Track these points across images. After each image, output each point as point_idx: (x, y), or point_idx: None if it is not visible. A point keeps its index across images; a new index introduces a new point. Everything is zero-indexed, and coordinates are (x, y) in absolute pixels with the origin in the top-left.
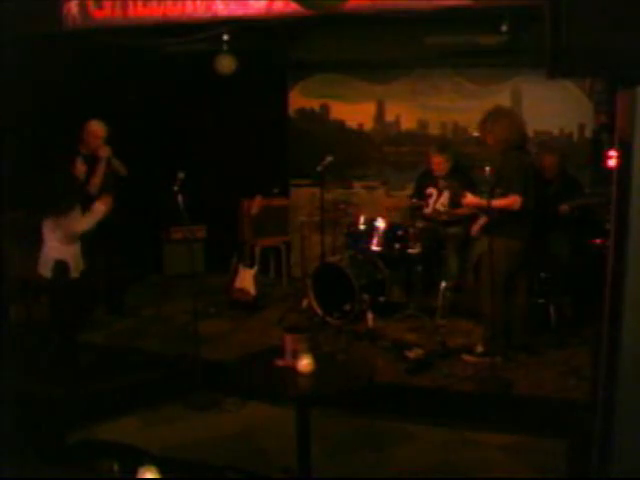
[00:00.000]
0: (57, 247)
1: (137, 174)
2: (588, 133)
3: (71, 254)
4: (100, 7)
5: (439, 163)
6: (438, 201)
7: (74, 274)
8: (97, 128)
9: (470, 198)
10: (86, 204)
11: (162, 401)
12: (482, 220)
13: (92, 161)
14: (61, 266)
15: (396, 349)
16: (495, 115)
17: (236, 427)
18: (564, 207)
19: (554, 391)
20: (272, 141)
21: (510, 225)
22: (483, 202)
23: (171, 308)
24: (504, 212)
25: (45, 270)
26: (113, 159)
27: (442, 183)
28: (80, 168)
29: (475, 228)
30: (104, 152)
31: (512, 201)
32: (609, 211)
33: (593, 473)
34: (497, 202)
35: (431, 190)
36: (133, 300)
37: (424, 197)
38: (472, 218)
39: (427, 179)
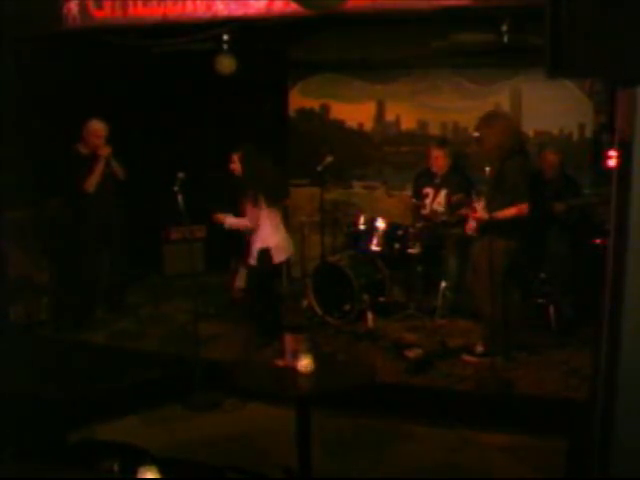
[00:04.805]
0: (265, 236)
1: (137, 174)
2: (588, 133)
3: (275, 241)
4: (100, 7)
5: (438, 157)
6: (435, 200)
7: (279, 259)
8: (98, 127)
9: (480, 214)
10: (82, 203)
11: (162, 401)
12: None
13: (91, 160)
14: (266, 253)
15: (396, 349)
16: (489, 121)
17: (236, 427)
18: (559, 206)
19: (554, 391)
20: (272, 141)
21: (505, 225)
22: (492, 216)
23: (171, 308)
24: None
25: (253, 259)
26: (113, 161)
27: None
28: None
29: (470, 226)
30: (104, 151)
31: (520, 210)
32: (609, 211)
33: (593, 473)
34: (505, 212)
35: (428, 190)
36: (133, 300)
37: (421, 197)
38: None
39: (424, 179)
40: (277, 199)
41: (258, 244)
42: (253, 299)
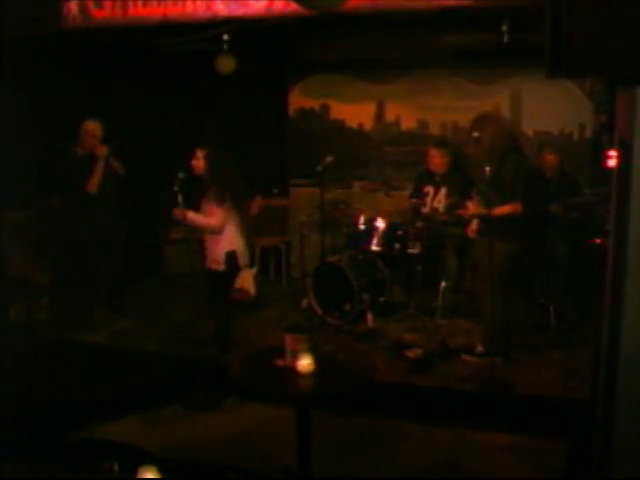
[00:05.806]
0: (231, 238)
1: (137, 174)
2: (588, 133)
3: (240, 244)
4: (100, 7)
5: (437, 157)
6: (435, 199)
7: (242, 263)
8: (93, 127)
9: (472, 209)
10: (83, 203)
11: (162, 401)
12: (477, 221)
13: (90, 161)
14: (233, 255)
15: (396, 349)
16: (480, 123)
17: (236, 427)
18: (554, 207)
19: (554, 391)
20: (272, 141)
21: (505, 226)
22: (484, 211)
23: (171, 308)
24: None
25: (217, 263)
26: (111, 159)
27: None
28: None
29: (472, 229)
30: (102, 151)
31: (514, 208)
32: (609, 211)
33: (593, 473)
34: (499, 210)
35: (428, 188)
36: (133, 300)
37: (422, 196)
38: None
39: (425, 178)
40: (243, 200)
41: (225, 247)
42: (220, 306)
